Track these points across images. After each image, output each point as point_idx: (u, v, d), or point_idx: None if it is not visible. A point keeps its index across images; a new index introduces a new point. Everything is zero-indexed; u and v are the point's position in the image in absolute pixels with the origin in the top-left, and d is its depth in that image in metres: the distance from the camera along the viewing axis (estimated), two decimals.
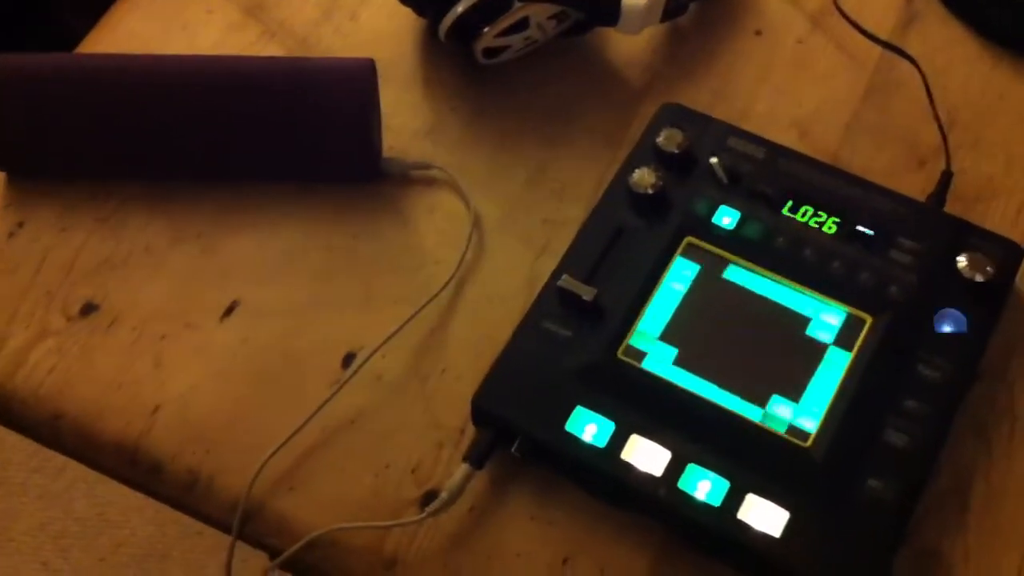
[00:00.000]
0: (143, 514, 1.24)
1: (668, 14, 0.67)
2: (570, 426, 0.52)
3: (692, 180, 0.60)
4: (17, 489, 1.26)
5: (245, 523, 0.53)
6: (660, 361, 0.54)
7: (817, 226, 0.58)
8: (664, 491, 0.50)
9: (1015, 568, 0.52)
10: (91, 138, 0.61)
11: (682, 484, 0.50)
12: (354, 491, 0.54)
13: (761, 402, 0.53)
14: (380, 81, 0.62)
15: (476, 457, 0.52)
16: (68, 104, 0.60)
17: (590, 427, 0.52)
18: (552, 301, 0.56)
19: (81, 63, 0.62)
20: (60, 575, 1.22)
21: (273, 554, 0.53)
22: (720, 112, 0.63)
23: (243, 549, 0.54)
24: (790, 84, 0.68)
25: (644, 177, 0.59)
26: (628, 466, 0.51)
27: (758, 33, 0.70)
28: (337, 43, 0.69)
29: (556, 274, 0.56)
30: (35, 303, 0.60)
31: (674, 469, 0.51)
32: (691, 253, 0.57)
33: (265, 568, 0.53)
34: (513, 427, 0.53)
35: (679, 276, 0.56)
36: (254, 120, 0.60)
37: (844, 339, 0.55)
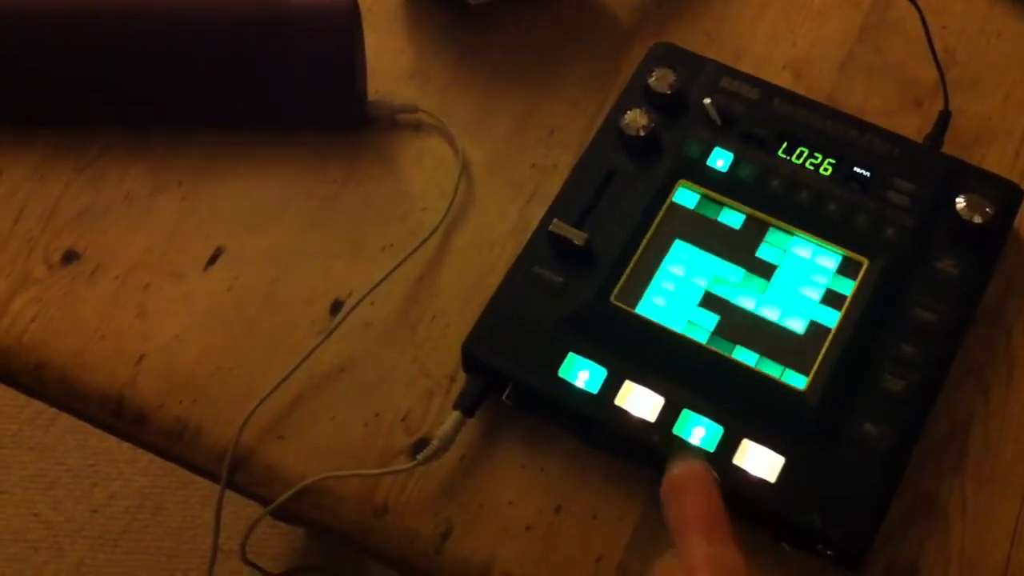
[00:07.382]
0: (136, 465, 1.24)
1: None
2: (562, 372, 0.51)
3: (684, 122, 0.58)
4: (8, 440, 1.26)
5: (234, 472, 0.53)
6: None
7: (812, 168, 0.57)
8: (658, 437, 0.50)
9: (1013, 516, 0.51)
10: (62, 83, 0.59)
11: (676, 430, 0.50)
12: (344, 440, 0.53)
13: (756, 347, 0.52)
14: (364, 23, 0.60)
15: (466, 405, 0.52)
16: (37, 48, 0.58)
17: (583, 373, 0.51)
18: (543, 246, 0.55)
19: (49, 5, 0.60)
20: (53, 527, 1.22)
21: (264, 503, 0.53)
22: (713, 53, 0.62)
23: (236, 500, 0.54)
24: (784, 24, 0.66)
25: (635, 119, 0.57)
26: (622, 412, 0.50)
27: None
28: None
29: (546, 219, 0.55)
30: (16, 251, 0.59)
31: (668, 415, 0.50)
32: (684, 196, 0.56)
33: (256, 516, 0.53)
34: (504, 374, 0.52)
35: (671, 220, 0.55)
36: (234, 63, 0.59)
37: (840, 282, 0.54)
